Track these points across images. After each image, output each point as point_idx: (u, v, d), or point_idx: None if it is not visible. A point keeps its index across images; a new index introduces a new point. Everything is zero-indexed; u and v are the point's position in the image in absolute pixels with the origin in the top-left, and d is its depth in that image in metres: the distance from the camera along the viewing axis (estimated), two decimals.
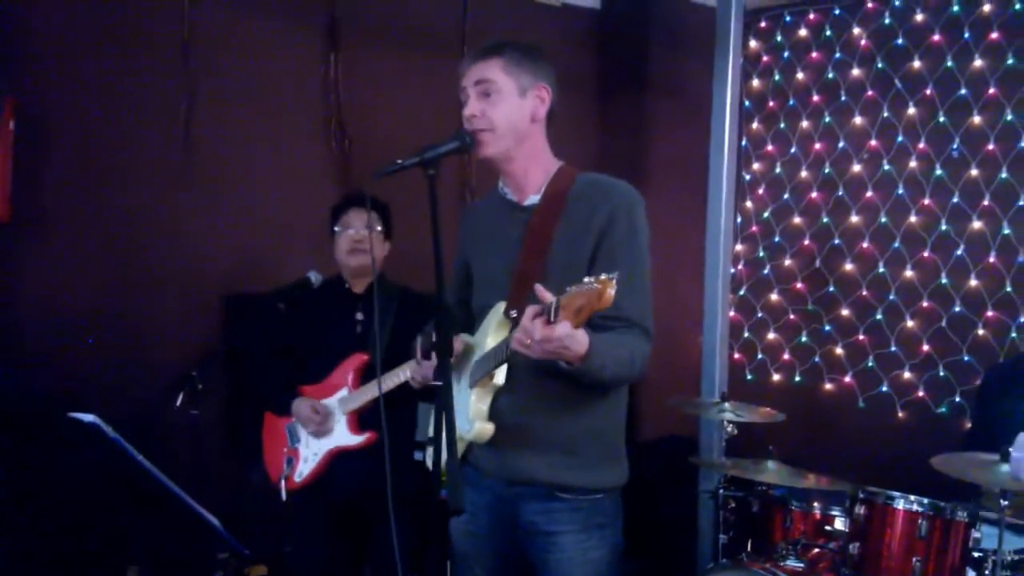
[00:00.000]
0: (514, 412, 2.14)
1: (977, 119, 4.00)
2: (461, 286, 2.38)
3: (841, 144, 4.44)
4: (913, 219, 4.19)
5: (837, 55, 4.46)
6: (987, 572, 2.56)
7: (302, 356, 3.12)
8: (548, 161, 2.25)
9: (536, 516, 2.17)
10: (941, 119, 4.09)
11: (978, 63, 4.00)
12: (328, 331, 3.11)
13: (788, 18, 4.65)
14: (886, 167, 4.28)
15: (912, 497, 2.65)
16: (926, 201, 4.15)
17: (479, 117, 2.13)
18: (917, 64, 4.17)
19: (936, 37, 4.11)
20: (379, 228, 3.11)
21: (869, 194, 4.34)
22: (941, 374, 4.08)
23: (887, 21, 4.27)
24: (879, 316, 4.28)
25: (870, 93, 4.33)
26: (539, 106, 2.17)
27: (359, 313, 3.11)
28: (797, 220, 4.62)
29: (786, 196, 4.66)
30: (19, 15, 3.41)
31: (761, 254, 4.75)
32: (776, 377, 4.68)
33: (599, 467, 2.17)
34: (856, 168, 4.39)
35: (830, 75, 4.49)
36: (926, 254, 4.14)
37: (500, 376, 2.11)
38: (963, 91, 4.03)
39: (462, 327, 2.33)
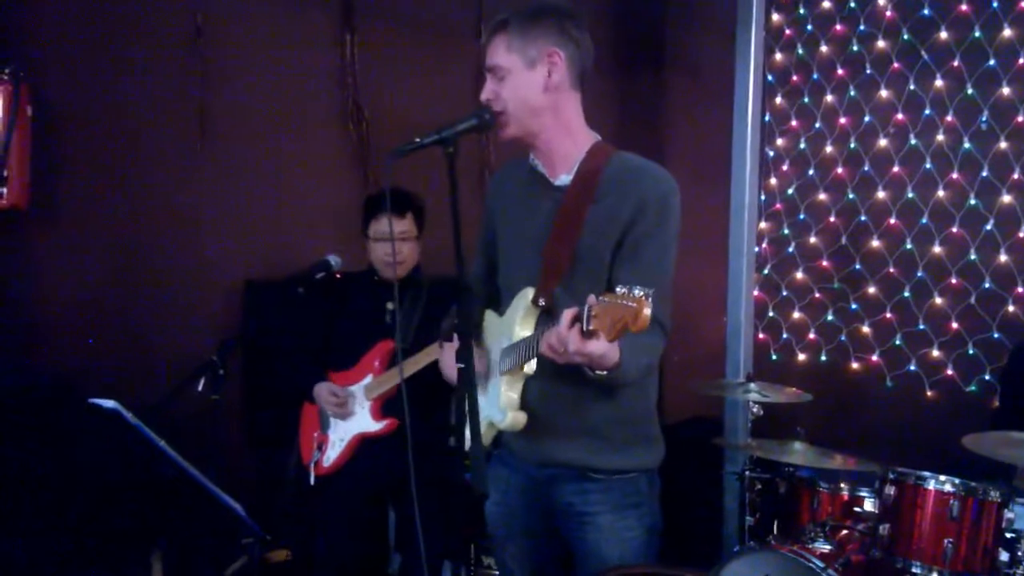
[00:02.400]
0: (542, 399, 2.12)
1: (1006, 90, 3.90)
2: (486, 254, 2.32)
3: (867, 118, 4.35)
4: (941, 194, 4.10)
5: (861, 27, 4.36)
6: (1021, 553, 2.52)
7: (332, 343, 3.13)
8: (581, 135, 2.15)
9: (572, 497, 2.16)
10: (969, 91, 4.00)
11: (1007, 33, 3.90)
12: (359, 319, 3.13)
13: None
14: (913, 141, 4.19)
15: (943, 477, 2.59)
16: (954, 175, 4.06)
17: (493, 100, 2.08)
18: (944, 35, 4.07)
19: (963, 7, 4.01)
20: (416, 233, 3.11)
21: (896, 169, 4.25)
22: (971, 352, 4.00)
23: None
24: (907, 293, 4.21)
25: (896, 65, 4.24)
26: (552, 72, 2.07)
27: (390, 303, 3.12)
28: (822, 196, 4.54)
29: (811, 172, 4.58)
30: (33, 3, 3.39)
31: (786, 232, 4.68)
32: (802, 357, 4.62)
33: (628, 448, 2.16)
34: (882, 143, 4.30)
35: (854, 48, 4.39)
36: (955, 229, 4.06)
37: (531, 366, 2.08)
38: (991, 62, 3.93)
39: (486, 299, 2.29)
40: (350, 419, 3.05)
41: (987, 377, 3.95)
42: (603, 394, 2.10)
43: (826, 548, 2.80)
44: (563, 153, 2.13)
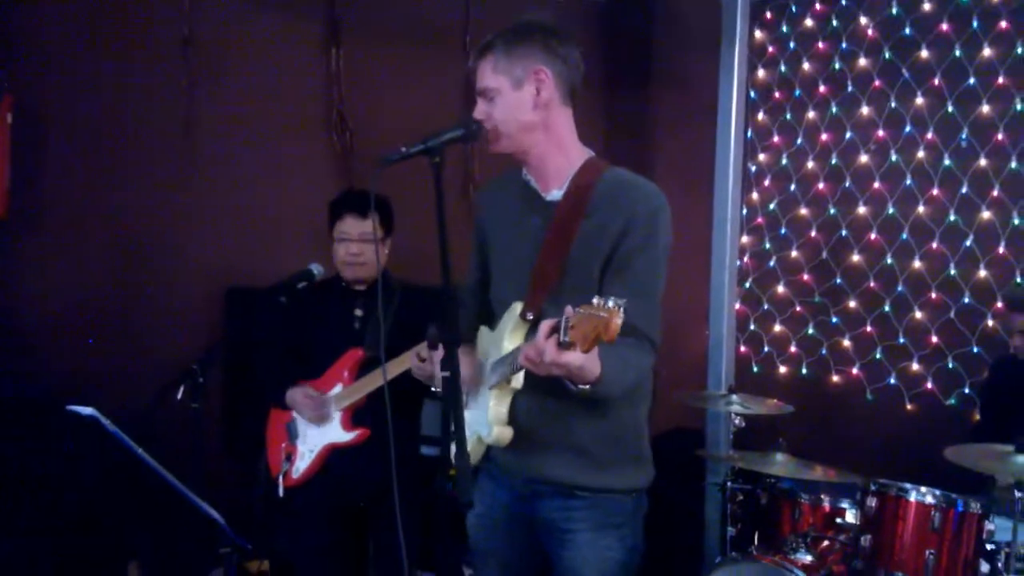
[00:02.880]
0: (530, 414, 2.11)
1: (986, 108, 3.95)
2: (480, 266, 2.31)
3: (848, 135, 4.40)
4: (921, 210, 4.14)
5: (844, 45, 4.41)
6: (1001, 564, 2.53)
7: (301, 352, 3.10)
8: (573, 151, 2.15)
9: (554, 513, 2.14)
10: (949, 109, 4.05)
11: (987, 52, 3.95)
12: (327, 327, 3.08)
13: (794, 8, 4.61)
14: (894, 158, 4.24)
15: (924, 489, 2.61)
16: (934, 192, 4.10)
17: (485, 120, 2.09)
18: (925, 54, 4.12)
19: (944, 26, 4.06)
20: (380, 234, 3.03)
21: (877, 185, 4.29)
22: (950, 366, 4.04)
23: (894, 11, 4.22)
24: (887, 308, 4.24)
25: (877, 83, 4.29)
26: (540, 90, 2.07)
27: (358, 309, 3.08)
28: (803, 211, 4.58)
29: (792, 187, 4.62)
30: (20, 11, 3.38)
31: (767, 246, 4.71)
32: (783, 369, 4.64)
33: (615, 468, 2.13)
34: (863, 159, 4.35)
35: (837, 65, 4.44)
36: (934, 245, 4.10)
37: (518, 380, 2.07)
38: (972, 81, 3.98)
39: (478, 316, 2.28)
40: (319, 429, 3.01)
41: (966, 391, 3.98)
42: (591, 411, 2.08)
43: (808, 559, 2.82)
44: (555, 168, 2.13)
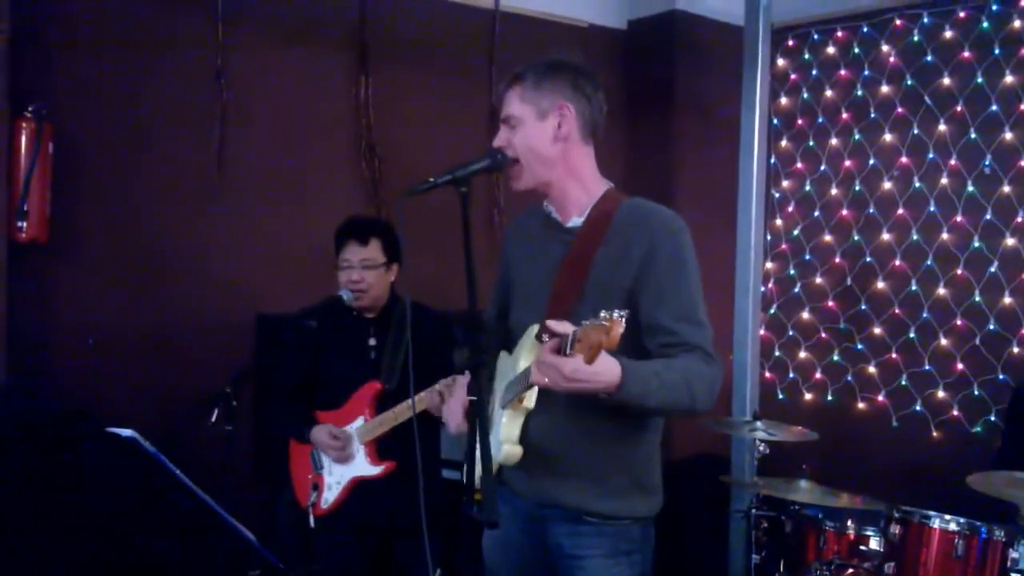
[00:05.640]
0: (545, 437, 2.13)
1: (1009, 135, 3.97)
2: (501, 296, 2.37)
3: (871, 161, 4.42)
4: (945, 236, 4.15)
5: (866, 72, 4.44)
6: None
7: (315, 382, 3.11)
8: (592, 182, 2.20)
9: (563, 539, 2.16)
10: (972, 135, 4.07)
11: (1009, 79, 3.97)
12: (341, 357, 3.09)
13: (816, 36, 4.64)
14: (917, 184, 4.25)
15: (948, 516, 2.61)
16: (958, 218, 4.11)
17: (506, 147, 2.14)
18: (947, 81, 4.15)
19: (966, 53, 4.09)
20: (382, 261, 3.03)
21: (900, 211, 4.31)
22: (976, 393, 4.03)
23: (916, 38, 4.26)
24: (912, 334, 4.24)
25: (900, 110, 4.31)
26: (562, 124, 2.13)
27: (372, 339, 3.08)
28: (828, 238, 4.59)
29: (816, 213, 4.64)
30: (59, 43, 3.49)
31: (792, 272, 4.73)
32: (808, 396, 4.64)
33: (627, 495, 2.15)
34: (887, 185, 4.36)
35: (859, 92, 4.47)
36: (959, 271, 4.10)
37: (530, 399, 2.11)
38: (994, 107, 4.00)
39: (500, 344, 2.32)
40: (346, 462, 3.05)
41: (992, 418, 3.97)
42: (608, 435, 2.11)
43: None
44: (575, 198, 2.19)
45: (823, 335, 4.59)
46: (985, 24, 4.03)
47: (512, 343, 2.26)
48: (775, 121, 4.72)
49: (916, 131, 4.25)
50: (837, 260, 4.55)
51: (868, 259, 4.42)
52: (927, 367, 4.18)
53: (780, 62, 4.73)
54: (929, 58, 4.21)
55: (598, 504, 2.12)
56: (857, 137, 4.47)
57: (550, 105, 2.13)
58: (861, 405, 4.42)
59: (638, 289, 2.06)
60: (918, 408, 4.20)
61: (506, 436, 2.13)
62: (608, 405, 1.94)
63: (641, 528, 2.19)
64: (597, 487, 2.12)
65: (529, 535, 2.23)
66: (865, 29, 4.44)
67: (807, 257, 4.67)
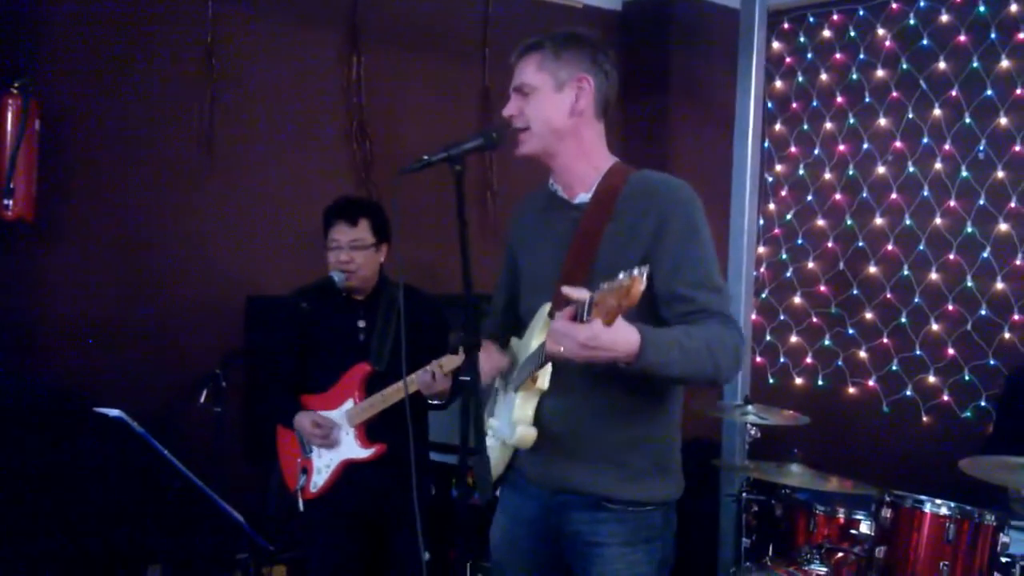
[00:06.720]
0: (561, 418, 2.07)
1: (1004, 120, 3.96)
2: (509, 285, 2.31)
3: (865, 146, 4.41)
4: (938, 221, 4.15)
5: (861, 56, 4.42)
6: None
7: (306, 363, 3.08)
8: (599, 157, 2.16)
9: (581, 526, 2.09)
10: (967, 120, 4.06)
11: (1005, 64, 3.96)
12: (330, 339, 3.06)
13: (811, 19, 4.62)
14: (911, 169, 4.24)
15: (939, 500, 2.62)
16: (952, 203, 4.11)
17: (516, 116, 2.09)
18: (942, 65, 4.13)
19: (962, 38, 4.08)
20: (371, 241, 3.00)
21: (894, 196, 4.30)
22: (966, 378, 4.03)
23: (912, 22, 4.24)
24: (903, 319, 4.24)
25: (895, 94, 4.30)
26: (579, 97, 2.08)
27: (361, 320, 3.06)
28: (820, 222, 4.59)
29: (809, 198, 4.63)
30: (46, 19, 3.44)
31: (784, 256, 4.72)
32: (799, 380, 4.64)
33: (648, 478, 2.08)
34: (880, 170, 4.35)
35: (854, 76, 4.45)
36: (951, 256, 4.10)
37: (543, 380, 2.05)
38: (989, 92, 3.99)
39: (509, 329, 2.27)
40: (331, 448, 3.02)
41: (982, 403, 3.98)
42: (627, 413, 2.05)
43: (822, 570, 2.82)
44: (581, 174, 2.14)
45: (815, 320, 4.59)
46: (981, 8, 4.02)
47: (523, 328, 2.19)
48: (769, 105, 4.70)
49: (911, 115, 4.23)
50: (830, 245, 4.54)
51: (861, 244, 4.42)
52: (918, 352, 4.19)
53: (775, 45, 4.71)
54: (925, 42, 4.19)
55: (617, 489, 2.05)
56: (852, 121, 4.46)
57: (568, 77, 2.08)
58: (852, 390, 4.43)
59: (651, 261, 1.94)
60: (908, 393, 4.21)
61: (519, 417, 2.06)
62: (628, 375, 1.86)
63: (663, 514, 2.11)
64: (616, 471, 2.05)
65: (542, 527, 2.15)
66: (861, 12, 4.42)
67: (800, 241, 4.67)
